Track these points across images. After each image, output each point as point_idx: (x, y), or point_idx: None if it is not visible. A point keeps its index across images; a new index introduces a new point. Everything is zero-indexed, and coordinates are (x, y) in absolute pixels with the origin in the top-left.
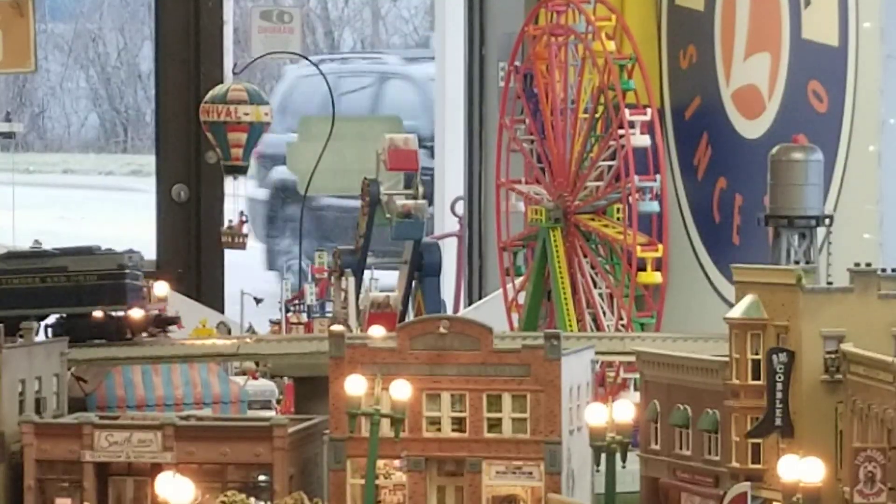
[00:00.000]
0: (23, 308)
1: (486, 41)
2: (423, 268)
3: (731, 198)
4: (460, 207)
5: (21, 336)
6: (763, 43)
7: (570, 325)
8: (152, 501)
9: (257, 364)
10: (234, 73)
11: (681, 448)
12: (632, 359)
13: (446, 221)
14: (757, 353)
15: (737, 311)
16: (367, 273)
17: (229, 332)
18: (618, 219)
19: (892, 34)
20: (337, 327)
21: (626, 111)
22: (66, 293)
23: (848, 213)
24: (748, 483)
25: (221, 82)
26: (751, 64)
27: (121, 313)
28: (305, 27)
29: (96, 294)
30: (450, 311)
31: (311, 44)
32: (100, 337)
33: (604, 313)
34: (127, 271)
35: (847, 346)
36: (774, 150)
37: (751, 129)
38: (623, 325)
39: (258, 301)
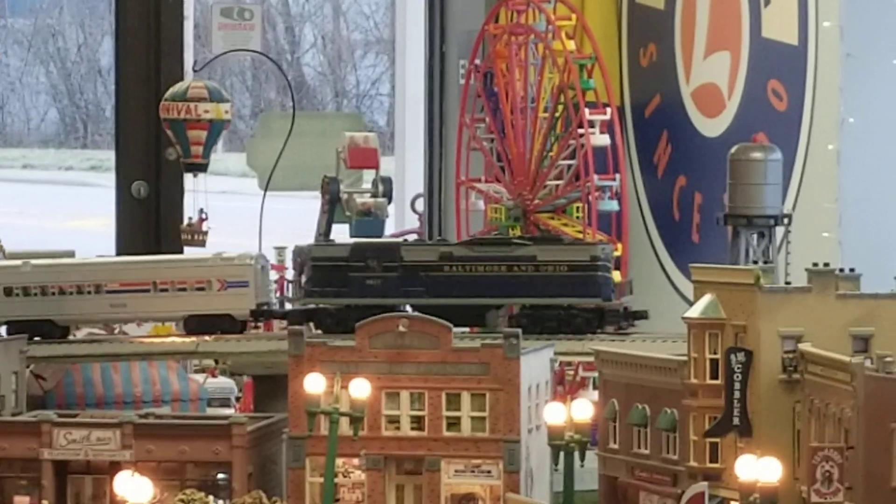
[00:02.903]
0: (486, 297)
1: (446, 39)
2: None
3: (691, 196)
4: (420, 205)
5: None
6: (723, 41)
7: None
8: (111, 499)
9: (217, 362)
10: (195, 70)
11: (639, 447)
12: (591, 358)
13: (406, 219)
14: (715, 353)
15: (695, 311)
16: None
17: None
18: (577, 218)
19: (852, 33)
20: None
21: (586, 110)
22: (534, 283)
23: (807, 211)
24: (706, 483)
25: (182, 79)
26: (711, 62)
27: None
28: (266, 23)
29: (567, 286)
30: (410, 309)
31: (272, 40)
32: (567, 329)
33: None
34: (599, 263)
35: (805, 346)
36: (733, 150)
37: (710, 127)
38: None
39: None
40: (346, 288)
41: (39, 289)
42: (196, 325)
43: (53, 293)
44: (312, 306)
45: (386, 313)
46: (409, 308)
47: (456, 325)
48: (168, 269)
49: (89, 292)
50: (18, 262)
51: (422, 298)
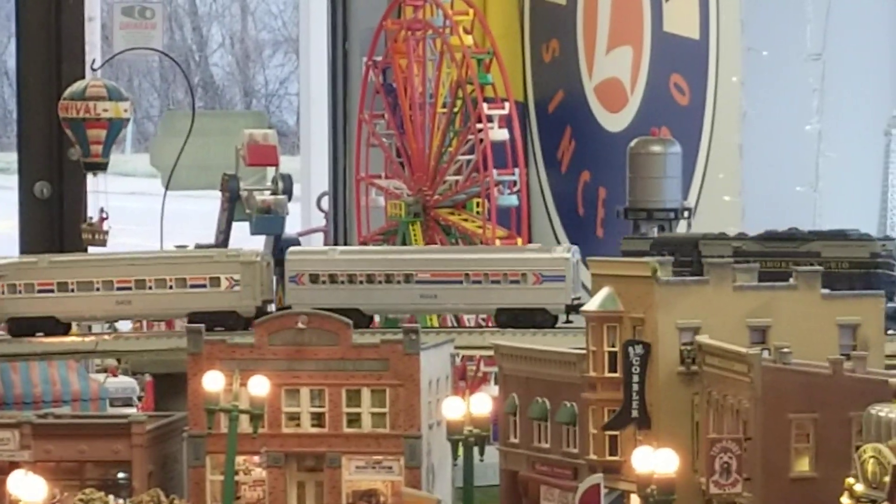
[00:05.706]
0: None
1: (349, 36)
2: (283, 263)
3: (595, 191)
4: (326, 203)
5: None
6: (625, 36)
7: (430, 320)
8: (10, 500)
9: (118, 361)
10: (93, 70)
11: (539, 441)
12: (491, 353)
13: (312, 217)
14: (614, 346)
15: (593, 304)
16: None
17: None
18: (477, 213)
19: (752, 26)
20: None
21: (485, 105)
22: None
23: (711, 205)
24: (600, 475)
25: (84, 79)
26: (613, 57)
27: None
28: (174, 23)
29: (846, 282)
30: None
31: (180, 40)
32: None
33: None
34: (879, 260)
35: (702, 338)
36: (633, 143)
37: (614, 122)
38: (483, 319)
39: None
40: None
41: (347, 277)
42: (507, 318)
43: (361, 282)
44: None
45: None
46: None
47: None
48: (482, 260)
49: (398, 282)
50: (325, 248)
51: None
